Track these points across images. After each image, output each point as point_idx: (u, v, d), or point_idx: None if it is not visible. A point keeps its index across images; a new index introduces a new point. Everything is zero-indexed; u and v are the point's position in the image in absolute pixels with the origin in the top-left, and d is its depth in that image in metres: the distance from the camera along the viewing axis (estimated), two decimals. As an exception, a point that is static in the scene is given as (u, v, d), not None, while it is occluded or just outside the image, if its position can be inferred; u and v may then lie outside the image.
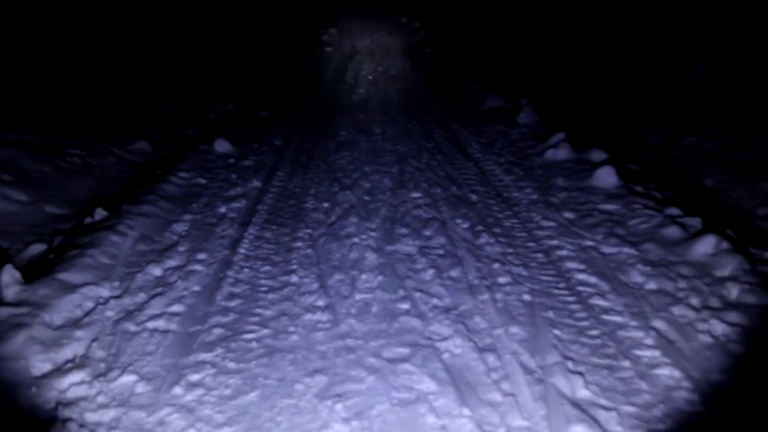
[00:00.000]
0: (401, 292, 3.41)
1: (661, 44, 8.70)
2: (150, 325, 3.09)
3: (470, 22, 13.84)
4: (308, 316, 3.21)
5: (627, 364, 2.74)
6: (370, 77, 10.01)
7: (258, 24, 13.88)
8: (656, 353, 2.80)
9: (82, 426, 2.37)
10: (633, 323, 3.04)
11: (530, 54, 10.74)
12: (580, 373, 2.66)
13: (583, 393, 2.55)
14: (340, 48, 12.61)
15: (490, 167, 5.50)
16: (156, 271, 3.62)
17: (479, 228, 4.21)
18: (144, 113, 7.37)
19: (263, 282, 3.59)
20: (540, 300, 3.30)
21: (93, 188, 5.12)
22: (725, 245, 3.51)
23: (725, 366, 2.66)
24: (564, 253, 3.82)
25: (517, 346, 2.90)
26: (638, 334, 2.95)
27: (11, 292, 3.05)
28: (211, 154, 5.88)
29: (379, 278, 3.57)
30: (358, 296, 3.39)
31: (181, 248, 3.94)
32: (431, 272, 3.63)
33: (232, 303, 3.34)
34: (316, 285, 3.52)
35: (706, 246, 3.54)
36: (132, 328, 3.06)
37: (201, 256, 3.86)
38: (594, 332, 2.99)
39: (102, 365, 2.76)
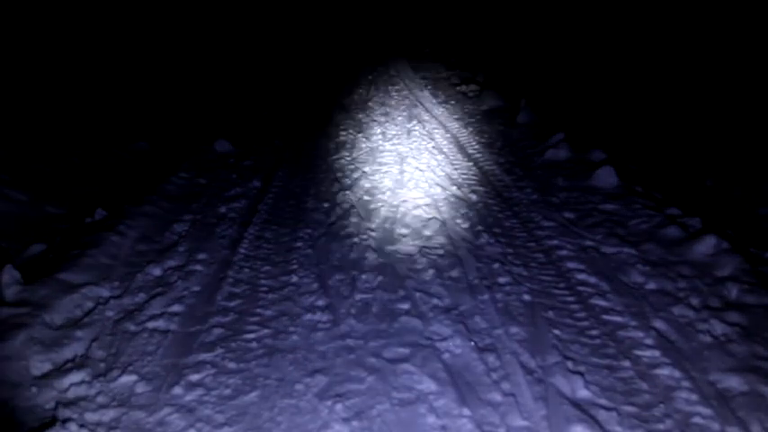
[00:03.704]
0: (401, 292, 3.41)
1: (660, 43, 8.70)
2: (150, 325, 3.09)
3: (471, 23, 13.84)
4: (308, 316, 3.21)
5: (627, 364, 2.74)
6: (370, 77, 10.02)
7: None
8: (656, 353, 2.80)
9: (82, 426, 2.37)
10: (633, 323, 3.04)
11: (530, 54, 10.74)
12: (580, 373, 2.66)
13: (583, 393, 2.55)
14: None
15: (490, 167, 5.51)
16: (156, 271, 3.62)
17: (479, 228, 4.21)
18: (144, 113, 7.37)
19: (263, 282, 3.59)
20: (540, 300, 3.30)
21: (93, 188, 5.12)
22: (725, 245, 3.51)
23: (725, 366, 2.67)
24: (564, 253, 3.82)
25: (517, 346, 2.90)
26: (638, 334, 2.95)
27: (11, 292, 3.05)
28: (211, 154, 5.89)
29: (380, 278, 3.57)
30: (358, 296, 3.39)
31: (181, 248, 3.94)
32: (431, 272, 3.62)
33: (232, 303, 3.34)
34: (316, 285, 3.52)
35: (706, 246, 3.55)
36: (132, 328, 3.06)
37: (201, 255, 3.86)
38: (594, 332, 2.99)
39: (102, 365, 2.76)
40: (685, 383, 2.58)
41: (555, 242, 3.97)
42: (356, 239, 4.09)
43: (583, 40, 10.27)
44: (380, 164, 5.69)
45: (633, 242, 3.83)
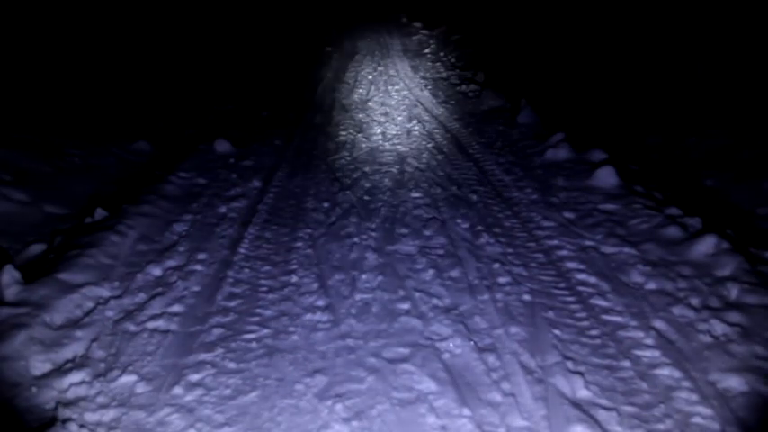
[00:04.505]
0: (401, 292, 3.41)
1: (661, 44, 8.69)
2: (150, 325, 3.09)
3: (470, 22, 13.84)
4: (308, 316, 3.21)
5: (627, 364, 2.74)
6: (370, 77, 10.02)
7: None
8: (656, 353, 2.80)
9: (82, 426, 2.37)
10: (633, 323, 3.04)
11: (530, 54, 10.73)
12: (580, 373, 2.66)
13: (583, 393, 2.55)
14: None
15: (490, 167, 5.51)
16: (156, 271, 3.62)
17: (479, 228, 4.22)
18: (144, 113, 7.37)
19: (263, 282, 3.59)
20: (540, 300, 3.30)
21: (93, 188, 5.12)
22: (725, 245, 3.51)
23: (725, 366, 2.67)
24: (564, 253, 3.82)
25: (517, 346, 2.90)
26: (638, 334, 2.95)
27: (11, 292, 3.05)
28: (211, 154, 5.89)
29: (380, 278, 3.58)
30: (358, 296, 3.39)
31: (181, 248, 3.94)
32: (431, 272, 3.63)
33: (232, 303, 3.34)
34: (316, 285, 3.52)
35: (706, 246, 3.54)
36: (132, 328, 3.06)
37: (201, 256, 3.86)
38: (594, 332, 2.99)
39: (102, 365, 2.76)
40: (685, 383, 2.58)
41: (555, 242, 3.97)
42: (356, 239, 4.09)
43: (583, 40, 10.27)
44: (380, 164, 5.70)
45: (633, 242, 3.83)
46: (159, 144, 6.48)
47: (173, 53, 10.43)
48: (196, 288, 3.49)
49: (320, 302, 3.34)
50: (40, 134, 5.72)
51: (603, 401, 2.51)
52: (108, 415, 2.46)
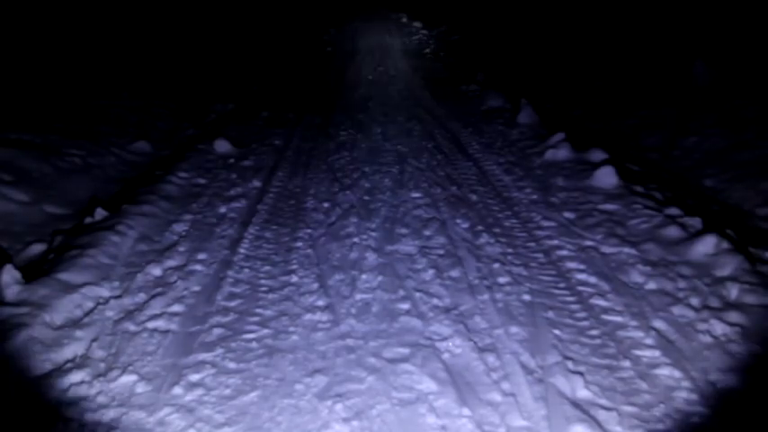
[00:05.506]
0: (401, 292, 3.41)
1: (661, 44, 8.70)
2: (150, 325, 3.09)
3: (470, 22, 13.84)
4: (308, 316, 3.21)
5: (627, 364, 2.74)
6: (370, 77, 10.02)
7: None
8: (656, 353, 2.80)
9: (82, 426, 2.37)
10: (633, 323, 3.04)
11: (530, 54, 10.74)
12: (580, 373, 2.66)
13: (583, 393, 2.55)
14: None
15: (490, 167, 5.50)
16: (156, 271, 3.62)
17: (479, 228, 4.21)
18: (144, 113, 7.37)
19: (263, 282, 3.59)
20: (540, 300, 3.30)
21: (93, 188, 5.12)
22: (725, 245, 3.50)
23: (725, 366, 2.67)
24: (564, 253, 3.82)
25: (517, 345, 2.90)
26: (638, 334, 2.95)
27: (11, 292, 3.05)
28: (211, 154, 5.89)
29: (380, 278, 3.57)
30: (358, 296, 3.39)
31: (181, 248, 3.94)
32: (431, 272, 3.63)
33: (232, 303, 3.34)
34: (316, 285, 3.52)
35: (706, 246, 3.54)
36: (132, 328, 3.06)
37: (201, 255, 3.86)
38: (594, 332, 2.99)
39: (102, 365, 2.76)
40: (685, 383, 2.58)
41: (555, 242, 3.97)
42: (356, 239, 4.09)
43: (583, 39, 10.28)
44: (380, 164, 5.69)
45: (633, 242, 3.83)
46: (159, 144, 6.48)
47: (172, 53, 10.43)
48: (196, 288, 3.49)
49: (320, 302, 3.34)
50: (40, 134, 5.72)
51: (603, 401, 2.51)
52: (108, 415, 2.46)
